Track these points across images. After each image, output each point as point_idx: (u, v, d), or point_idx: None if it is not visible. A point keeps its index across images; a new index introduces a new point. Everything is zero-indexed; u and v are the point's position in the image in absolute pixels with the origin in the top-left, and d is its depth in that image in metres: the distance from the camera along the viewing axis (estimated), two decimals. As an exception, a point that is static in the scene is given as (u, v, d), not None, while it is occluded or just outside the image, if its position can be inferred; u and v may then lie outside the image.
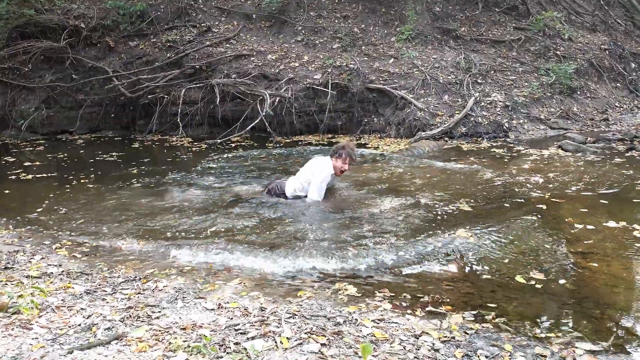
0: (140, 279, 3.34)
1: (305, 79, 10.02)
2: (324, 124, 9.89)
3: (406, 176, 6.43)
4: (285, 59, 10.56)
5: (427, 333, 2.54)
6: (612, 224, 4.29)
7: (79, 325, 2.57)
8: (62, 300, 2.93)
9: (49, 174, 7.12)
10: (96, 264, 3.73)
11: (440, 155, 7.82)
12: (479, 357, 2.31)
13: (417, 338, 2.49)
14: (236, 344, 2.36)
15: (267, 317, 2.69)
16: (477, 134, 8.88)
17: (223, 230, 4.47)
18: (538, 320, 2.79)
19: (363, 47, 10.97)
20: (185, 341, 2.38)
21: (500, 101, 9.73)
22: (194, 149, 9.04)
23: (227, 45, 10.95)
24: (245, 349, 2.30)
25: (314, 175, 5.09)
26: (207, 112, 10.08)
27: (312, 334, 2.48)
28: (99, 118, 10.83)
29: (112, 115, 10.90)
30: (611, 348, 2.47)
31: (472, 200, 5.11)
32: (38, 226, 4.75)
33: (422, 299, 3.06)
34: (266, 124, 9.30)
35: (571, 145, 7.54)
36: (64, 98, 10.68)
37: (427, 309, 2.90)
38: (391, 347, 2.38)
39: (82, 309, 2.80)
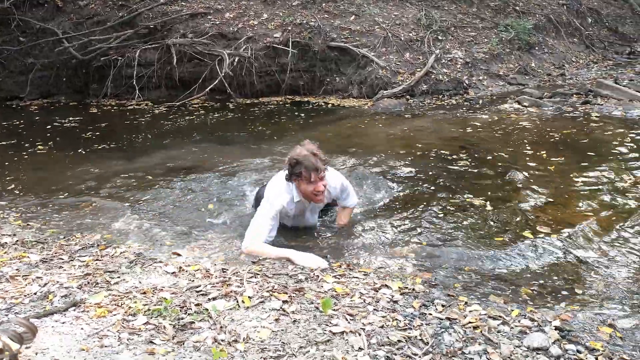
0: (98, 245, 3.27)
1: (264, 37, 9.79)
2: (285, 84, 9.74)
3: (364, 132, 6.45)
4: (244, 17, 10.26)
5: (386, 286, 2.60)
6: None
7: (35, 293, 2.51)
8: (16, 269, 2.85)
9: (5, 142, 6.81)
10: (52, 232, 3.63)
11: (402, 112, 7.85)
12: (435, 306, 2.39)
13: (377, 291, 2.54)
14: (197, 305, 2.36)
15: (229, 278, 2.69)
16: (438, 92, 8.93)
17: (181, 195, 4.41)
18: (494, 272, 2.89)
19: (323, 4, 10.74)
20: (146, 305, 2.36)
21: (461, 58, 9.77)
22: (154, 112, 8.80)
23: (183, 3, 10.55)
24: (206, 309, 2.30)
25: (258, 209, 3.33)
26: (164, 74, 9.78)
27: (274, 292, 2.49)
28: (50, 82, 10.37)
29: (64, 79, 10.44)
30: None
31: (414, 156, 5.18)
32: (-10, 196, 4.58)
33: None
34: (226, 84, 9.10)
35: (528, 100, 7.67)
36: (12, 62, 10.15)
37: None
38: (351, 300, 2.42)
39: (38, 277, 2.73)
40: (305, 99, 9.59)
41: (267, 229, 3.19)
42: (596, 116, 6.71)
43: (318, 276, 2.69)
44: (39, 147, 6.43)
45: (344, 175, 3.65)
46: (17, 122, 8.16)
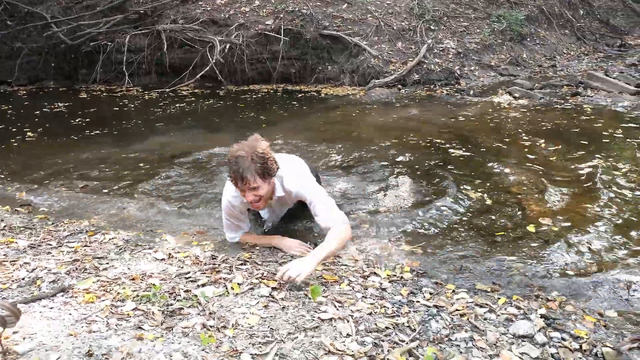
0: (86, 231, 3.26)
1: (256, 24, 9.72)
2: (277, 72, 9.69)
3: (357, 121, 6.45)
4: (235, 4, 10.18)
5: (375, 274, 2.61)
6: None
7: (23, 279, 2.50)
8: (4, 255, 2.83)
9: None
10: (41, 218, 3.61)
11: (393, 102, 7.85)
12: (423, 294, 2.41)
13: (366, 279, 2.56)
14: (186, 291, 2.36)
15: (219, 265, 2.70)
16: (429, 81, 8.93)
17: (171, 183, 4.39)
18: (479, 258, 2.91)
19: (316, -8, 10.67)
20: (135, 291, 2.36)
21: (453, 48, 9.77)
22: (144, 98, 8.72)
23: (174, -12, 10.42)
24: (195, 296, 2.31)
25: None
26: (155, 60, 9.69)
27: (264, 279, 2.50)
28: (38, 67, 10.24)
29: (53, 64, 10.31)
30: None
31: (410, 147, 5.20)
32: (-23, 181, 4.53)
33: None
34: (217, 71, 9.03)
35: (519, 91, 7.70)
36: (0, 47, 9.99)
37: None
38: (340, 288, 2.44)
39: (25, 263, 2.72)
40: (297, 87, 9.55)
41: (230, 228, 3.00)
42: (587, 107, 6.75)
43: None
44: (29, 133, 6.35)
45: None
46: (5, 108, 8.05)
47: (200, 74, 9.09)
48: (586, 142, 5.11)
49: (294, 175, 2.86)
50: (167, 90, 9.04)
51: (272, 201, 2.95)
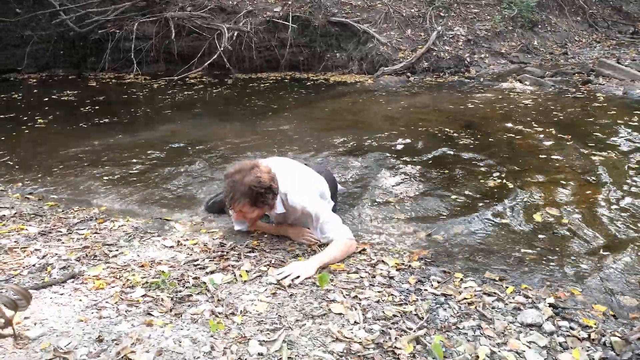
0: (96, 219, 3.28)
1: (264, 11, 9.67)
2: (285, 59, 9.65)
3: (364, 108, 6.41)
4: (244, -9, 10.12)
5: (383, 262, 2.62)
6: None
7: (34, 265, 2.53)
8: (15, 242, 2.86)
9: (4, 116, 6.76)
10: (51, 205, 3.63)
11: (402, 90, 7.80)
12: (431, 282, 2.41)
13: (373, 267, 2.56)
14: (195, 278, 2.38)
15: (227, 252, 2.71)
16: (439, 69, 8.86)
17: (181, 170, 4.41)
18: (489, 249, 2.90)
19: (324, -22, 10.58)
20: (144, 277, 2.38)
21: (463, 35, 9.67)
22: (152, 86, 8.73)
23: (181, -25, 10.37)
24: (204, 282, 2.32)
25: None
26: (163, 48, 9.68)
27: (272, 267, 2.51)
28: (47, 55, 10.26)
29: (62, 52, 10.34)
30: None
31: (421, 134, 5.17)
32: (-12, 169, 4.57)
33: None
34: (225, 59, 9.01)
35: (530, 79, 7.62)
36: (9, 34, 10.02)
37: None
38: (348, 276, 2.44)
39: (36, 249, 2.75)
40: (305, 75, 9.51)
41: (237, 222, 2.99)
42: (598, 96, 6.67)
43: (315, 251, 2.70)
44: (39, 120, 6.39)
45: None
46: (16, 96, 8.09)
47: (208, 62, 9.07)
48: (598, 131, 5.05)
49: (299, 191, 2.79)
50: (175, 78, 9.04)
51: (272, 216, 2.99)
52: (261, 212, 2.79)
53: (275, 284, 2.33)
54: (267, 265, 2.54)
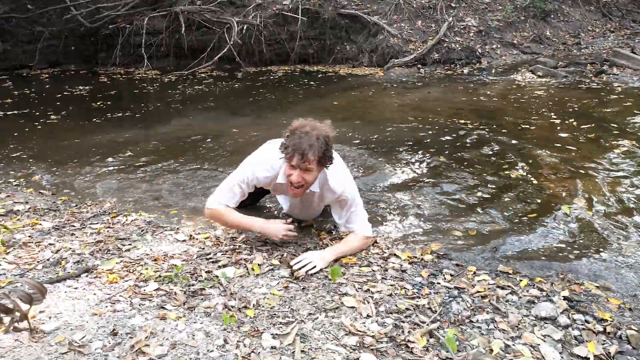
0: (109, 213, 3.30)
1: (274, 4, 9.64)
2: (294, 52, 9.63)
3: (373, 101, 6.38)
4: (253, -16, 10.08)
5: (395, 255, 2.60)
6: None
7: (48, 260, 2.55)
8: (29, 236, 2.89)
9: (19, 111, 6.82)
10: (64, 200, 3.67)
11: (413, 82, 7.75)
12: (444, 275, 2.39)
13: (386, 260, 2.55)
14: (208, 272, 2.38)
15: (239, 246, 2.71)
16: (450, 60, 8.79)
17: (194, 165, 4.42)
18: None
19: (334, -30, 10.51)
20: (157, 271, 2.39)
21: (474, 26, 9.57)
22: (163, 80, 8.75)
23: (191, -31, 10.36)
24: (216, 276, 2.33)
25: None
26: (173, 43, 9.70)
27: (282, 261, 2.51)
28: (58, 51, 10.31)
29: (73, 47, 10.39)
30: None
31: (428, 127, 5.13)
32: (4, 164, 4.61)
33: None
34: (235, 53, 9.01)
35: (542, 70, 7.53)
36: (20, 31, 10.08)
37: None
38: (360, 269, 2.43)
39: (50, 244, 2.77)
40: (315, 68, 9.49)
41: (229, 194, 2.65)
42: (613, 86, 6.57)
43: (327, 245, 2.69)
44: (52, 116, 6.44)
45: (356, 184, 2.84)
46: (28, 92, 8.16)
47: (218, 56, 9.08)
48: (614, 122, 4.98)
49: (344, 175, 2.65)
50: (186, 72, 9.06)
51: (290, 196, 2.75)
52: (314, 179, 2.51)
53: (287, 277, 2.33)
54: (279, 258, 2.54)
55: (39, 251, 2.67)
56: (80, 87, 8.33)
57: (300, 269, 2.36)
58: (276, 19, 9.49)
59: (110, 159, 4.65)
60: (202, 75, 9.12)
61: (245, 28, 9.27)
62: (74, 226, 3.08)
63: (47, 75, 9.72)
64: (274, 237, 2.63)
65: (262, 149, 2.80)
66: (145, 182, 4.02)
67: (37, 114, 6.57)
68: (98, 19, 9.75)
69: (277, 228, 2.60)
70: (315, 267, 2.37)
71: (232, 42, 8.94)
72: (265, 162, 2.62)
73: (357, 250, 2.62)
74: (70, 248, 2.70)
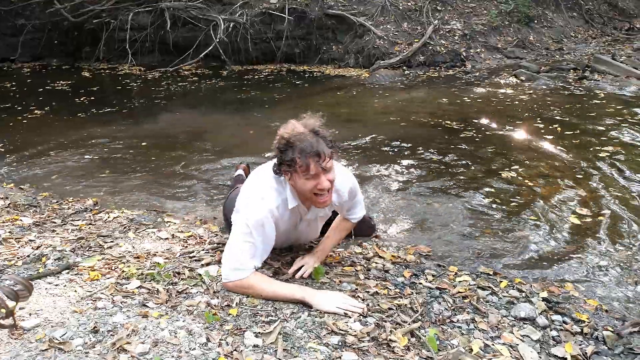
0: (91, 210, 3.27)
1: (260, 3, 9.62)
2: (281, 51, 9.62)
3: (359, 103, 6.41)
4: (240, -18, 10.04)
5: (378, 255, 2.62)
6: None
7: (28, 256, 2.52)
8: (9, 232, 2.85)
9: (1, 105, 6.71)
10: (45, 196, 3.62)
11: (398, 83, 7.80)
12: (426, 276, 2.42)
13: (369, 260, 2.57)
14: (190, 270, 2.38)
15: (222, 245, 2.70)
16: (435, 63, 8.86)
17: (176, 163, 4.40)
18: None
19: (321, -30, 10.52)
20: (139, 269, 2.37)
21: (459, 29, 9.66)
22: (147, 77, 8.67)
23: (177, -35, 10.28)
24: (199, 274, 2.32)
25: (234, 221, 2.20)
26: (158, 39, 9.62)
27: (267, 260, 2.51)
28: (41, 45, 10.16)
29: (56, 42, 10.25)
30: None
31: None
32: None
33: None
34: (220, 51, 8.97)
35: (525, 74, 7.63)
36: (3, 23, 9.92)
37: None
38: (343, 269, 2.45)
39: (30, 240, 2.74)
40: (301, 68, 9.49)
41: (249, 251, 2.11)
42: (593, 92, 6.69)
43: (311, 247, 2.70)
44: (36, 111, 6.34)
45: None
46: (9, 85, 8.03)
47: (204, 53, 9.03)
48: (597, 128, 5.07)
49: (344, 171, 2.35)
50: (170, 69, 8.99)
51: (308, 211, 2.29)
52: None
53: (271, 276, 2.33)
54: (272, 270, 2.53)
55: (19, 247, 2.63)
56: (62, 82, 8.22)
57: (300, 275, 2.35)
58: (263, 17, 9.47)
59: (93, 155, 4.60)
60: (187, 72, 9.06)
61: (231, 26, 9.24)
62: (55, 222, 3.04)
63: (28, 70, 9.57)
64: (329, 309, 2.03)
65: (246, 191, 2.24)
66: (128, 179, 3.99)
67: (19, 108, 6.47)
68: (82, 13, 9.63)
69: (335, 298, 2.07)
70: (307, 270, 2.37)
71: (218, 40, 8.90)
72: (265, 194, 2.14)
73: (347, 233, 2.58)
74: (51, 244, 2.66)
